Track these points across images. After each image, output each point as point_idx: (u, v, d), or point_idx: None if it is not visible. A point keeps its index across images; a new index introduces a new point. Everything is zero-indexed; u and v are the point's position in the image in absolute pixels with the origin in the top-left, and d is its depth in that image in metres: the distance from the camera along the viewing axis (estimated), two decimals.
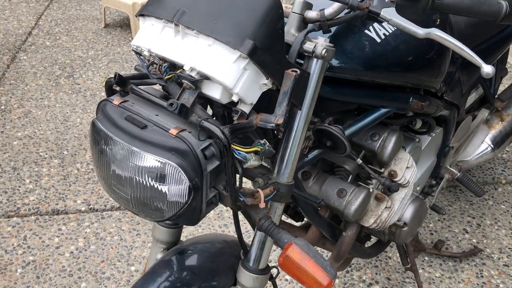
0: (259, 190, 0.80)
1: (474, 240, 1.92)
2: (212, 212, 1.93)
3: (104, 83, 0.83)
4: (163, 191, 0.71)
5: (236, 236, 0.95)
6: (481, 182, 2.21)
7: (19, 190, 2.12)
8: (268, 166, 0.94)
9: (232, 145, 0.71)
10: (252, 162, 0.75)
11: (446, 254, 1.82)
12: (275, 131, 0.86)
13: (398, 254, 1.82)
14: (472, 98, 1.72)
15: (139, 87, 0.79)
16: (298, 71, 0.75)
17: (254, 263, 0.94)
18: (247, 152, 0.74)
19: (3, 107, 2.66)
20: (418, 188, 1.48)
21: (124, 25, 3.66)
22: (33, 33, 3.49)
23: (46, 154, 2.34)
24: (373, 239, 1.53)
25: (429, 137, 1.44)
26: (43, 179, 2.19)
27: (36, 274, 1.76)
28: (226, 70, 0.71)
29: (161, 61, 0.76)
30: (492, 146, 1.72)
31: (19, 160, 2.29)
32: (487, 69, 0.82)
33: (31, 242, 1.88)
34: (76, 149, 2.38)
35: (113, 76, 0.80)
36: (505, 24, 0.90)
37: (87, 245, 1.87)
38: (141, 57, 0.81)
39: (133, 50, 0.81)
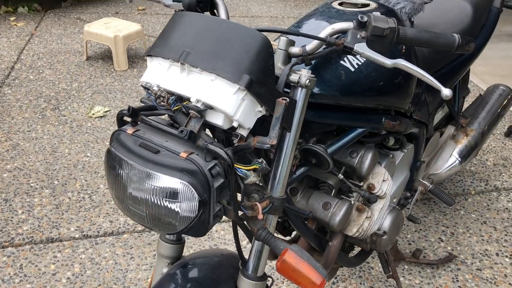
0: (257, 203, 0.91)
1: (449, 248, 2.06)
2: None
3: (116, 115, 0.94)
4: (176, 207, 0.82)
5: (230, 250, 1.06)
6: (453, 194, 2.37)
7: (12, 220, 2.18)
8: (261, 184, 1.06)
9: (234, 164, 0.83)
10: (252, 178, 0.87)
11: (424, 262, 1.95)
12: (267, 151, 0.98)
13: (379, 264, 1.95)
14: (438, 116, 1.89)
15: (148, 117, 0.90)
16: (288, 99, 0.88)
17: (253, 271, 1.05)
18: (247, 170, 0.85)
19: None
20: (394, 200, 1.61)
21: (105, 57, 3.77)
22: (16, 68, 3.56)
23: (37, 184, 2.40)
24: (357, 250, 1.65)
25: (401, 153, 1.58)
26: (36, 209, 2.25)
27: None
28: (228, 101, 0.83)
29: (168, 95, 0.88)
30: (459, 159, 1.88)
31: (10, 192, 2.34)
32: (446, 92, 0.96)
33: (28, 270, 1.94)
34: (66, 178, 2.45)
35: (124, 108, 0.91)
36: (459, 53, 1.05)
37: (83, 270, 1.94)
38: (149, 91, 0.93)
39: (141, 85, 0.93)
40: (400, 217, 1.47)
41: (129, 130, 0.89)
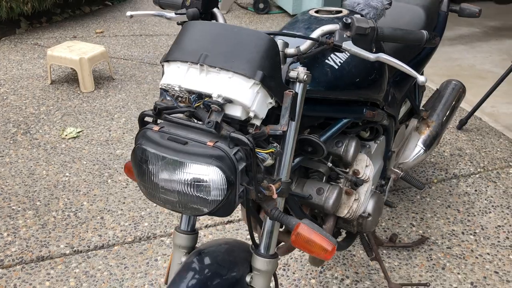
0: (271, 185, 1.04)
1: (420, 231, 2.25)
2: (201, 232, 2.13)
3: (138, 118, 1.04)
4: (207, 189, 0.93)
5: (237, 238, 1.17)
6: None
7: None
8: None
9: (255, 149, 0.96)
10: (269, 161, 1.00)
11: (400, 246, 2.13)
12: (272, 141, 1.12)
13: (360, 252, 2.11)
14: (403, 110, 2.09)
15: (174, 118, 1.01)
16: (294, 91, 1.02)
17: (265, 250, 1.17)
18: (266, 153, 0.98)
19: None
20: (373, 187, 1.78)
21: (70, 80, 3.79)
22: None
23: (19, 207, 2.41)
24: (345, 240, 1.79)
25: (375, 144, 1.76)
26: (21, 230, 2.26)
27: None
28: (245, 94, 0.95)
29: (188, 94, 1.00)
30: (424, 148, 2.08)
31: None
32: (421, 78, 1.13)
33: None
34: (48, 199, 2.47)
35: (141, 113, 1.02)
36: (427, 46, 1.22)
37: (79, 284, 1.98)
38: (167, 93, 1.04)
39: (161, 88, 1.04)
40: (381, 200, 1.63)
41: (155, 127, 1.00)
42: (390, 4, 1.62)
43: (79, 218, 2.34)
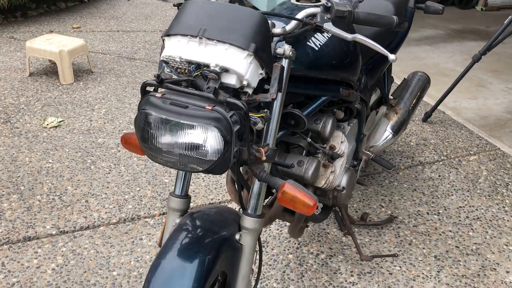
0: (261, 148, 1.17)
1: (389, 212, 2.42)
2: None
3: (141, 88, 1.15)
4: (206, 148, 1.05)
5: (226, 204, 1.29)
6: (386, 170, 2.76)
7: None
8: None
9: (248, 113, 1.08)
10: (260, 125, 1.12)
11: (370, 224, 2.29)
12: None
13: (334, 230, 2.26)
14: (373, 98, 2.25)
15: (174, 85, 1.12)
16: (281, 64, 1.15)
17: (253, 210, 1.29)
18: (258, 117, 1.11)
19: None
20: (346, 165, 1.93)
21: (48, 73, 3.83)
22: None
23: (3, 191, 2.46)
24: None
25: (349, 126, 1.91)
26: (6, 212, 2.32)
27: None
28: (240, 63, 1.08)
29: (187, 64, 1.12)
30: (392, 133, 2.25)
31: None
32: (392, 57, 1.28)
33: (11, 266, 2.02)
34: (32, 184, 2.53)
35: (143, 83, 1.13)
36: (397, 30, 1.36)
37: (67, 261, 2.05)
38: (168, 64, 1.15)
39: (162, 60, 1.15)
40: (354, 176, 1.78)
41: (157, 94, 1.11)
42: None
43: (63, 202, 2.41)
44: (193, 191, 2.51)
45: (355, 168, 2.07)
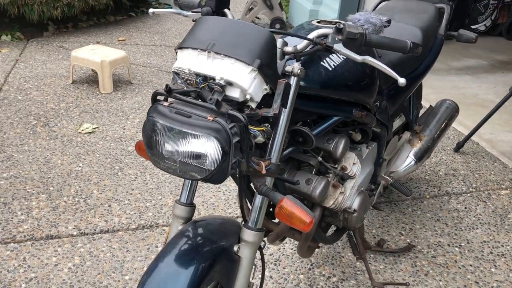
0: (261, 161, 1.19)
1: (408, 240, 2.37)
2: None
3: (151, 96, 1.20)
4: (204, 157, 1.09)
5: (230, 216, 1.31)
6: (410, 198, 2.70)
7: (12, 221, 2.34)
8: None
9: (248, 126, 1.11)
10: (259, 138, 1.15)
11: (387, 251, 2.25)
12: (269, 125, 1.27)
13: (349, 254, 2.23)
14: (397, 123, 2.23)
15: (182, 96, 1.17)
16: (286, 80, 1.17)
17: (253, 223, 1.31)
18: (257, 130, 1.13)
19: None
20: (362, 189, 1.91)
21: (90, 81, 4.00)
22: (4, 89, 3.74)
23: (33, 190, 2.58)
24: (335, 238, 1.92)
25: (367, 150, 1.90)
26: (34, 211, 2.42)
27: (39, 287, 1.98)
28: (244, 78, 1.11)
29: (196, 76, 1.16)
30: (415, 160, 2.22)
31: (8, 196, 2.51)
32: (401, 80, 1.28)
33: (31, 262, 2.11)
34: (61, 185, 2.63)
35: (154, 92, 1.18)
36: (411, 55, 1.36)
37: (83, 262, 2.12)
38: (179, 76, 1.20)
39: (173, 71, 1.20)
40: (367, 199, 1.76)
41: (165, 103, 1.16)
42: (388, 22, 1.78)
43: (88, 204, 2.49)
44: (213, 203, 2.54)
45: (373, 192, 2.04)
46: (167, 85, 1.15)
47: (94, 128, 3.24)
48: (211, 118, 1.09)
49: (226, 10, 1.41)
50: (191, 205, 1.41)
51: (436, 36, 2.22)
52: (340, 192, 1.60)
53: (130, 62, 4.37)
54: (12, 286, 1.98)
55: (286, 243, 2.28)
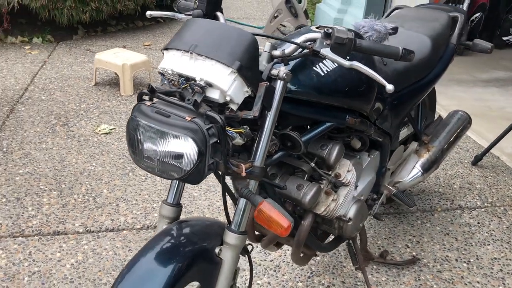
0: (241, 164, 1.19)
1: (414, 253, 2.31)
2: None
3: (137, 96, 1.22)
4: (181, 157, 1.09)
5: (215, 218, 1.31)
6: (421, 210, 2.64)
7: (23, 215, 2.41)
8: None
9: (226, 127, 1.11)
10: (238, 140, 1.15)
11: (390, 263, 2.20)
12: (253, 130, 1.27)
13: (351, 264, 2.19)
14: (404, 133, 2.19)
15: (163, 96, 1.18)
16: (268, 83, 1.17)
17: (236, 226, 1.30)
18: (235, 132, 1.13)
19: (4, 149, 2.99)
20: (362, 198, 1.88)
21: (112, 84, 4.09)
22: (30, 89, 3.88)
23: (46, 187, 2.65)
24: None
25: (368, 158, 1.87)
26: (44, 207, 2.49)
27: (41, 281, 2.03)
28: (223, 79, 1.12)
29: (178, 77, 1.17)
30: (422, 171, 2.16)
31: (22, 192, 2.59)
32: (389, 87, 1.26)
33: (36, 256, 2.16)
34: (73, 183, 2.70)
35: (139, 92, 1.20)
36: (402, 61, 1.33)
37: (86, 259, 2.16)
38: (164, 76, 1.22)
39: (159, 72, 1.22)
40: (364, 208, 1.73)
41: (148, 102, 1.18)
42: (394, 30, 1.75)
43: (96, 203, 2.54)
44: (218, 207, 2.55)
45: (374, 202, 2.01)
46: (149, 85, 1.17)
47: (111, 129, 3.31)
48: (189, 118, 1.10)
49: (218, 13, 1.42)
50: (177, 206, 1.42)
51: (447, 45, 2.17)
52: (333, 199, 1.57)
53: (153, 66, 4.45)
54: (15, 279, 2.03)
55: (288, 250, 2.26)
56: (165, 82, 1.23)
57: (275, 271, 2.15)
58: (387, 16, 2.40)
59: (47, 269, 2.09)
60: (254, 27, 6.22)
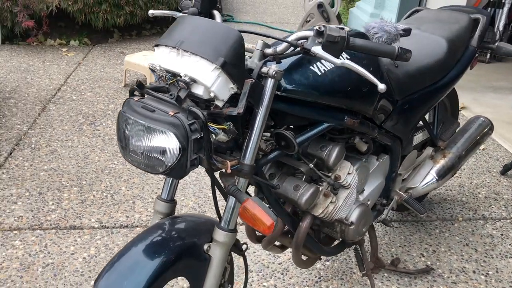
0: (227, 160, 1.19)
1: (429, 262, 2.23)
2: None
3: (129, 91, 1.25)
4: (163, 151, 1.10)
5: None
6: (440, 218, 2.55)
7: (43, 209, 2.49)
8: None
9: (208, 123, 1.12)
10: (221, 136, 1.15)
11: (402, 271, 2.13)
12: (244, 129, 1.26)
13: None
14: (419, 137, 2.12)
15: (150, 91, 1.20)
16: (253, 80, 1.17)
17: (226, 224, 1.30)
18: (218, 128, 1.14)
19: (33, 145, 3.10)
20: (369, 202, 1.84)
21: None
22: (62, 89, 4.02)
23: (68, 183, 2.73)
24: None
25: (377, 162, 1.82)
26: (64, 202, 2.57)
27: (53, 273, 2.09)
28: (206, 75, 1.12)
29: (166, 73, 1.19)
30: (437, 177, 2.09)
31: (44, 187, 2.68)
32: (381, 86, 1.22)
33: (51, 249, 2.23)
34: (94, 180, 2.77)
35: (130, 88, 1.22)
36: (398, 60, 1.29)
37: (98, 253, 2.21)
38: (154, 72, 1.23)
39: (149, 67, 1.24)
40: (367, 212, 1.69)
41: (136, 98, 1.20)
42: (406, 31, 1.70)
43: (114, 200, 2.60)
44: (221, 206, 2.55)
45: (384, 207, 1.95)
46: (137, 81, 1.18)
47: None
48: (172, 113, 1.11)
49: (214, 12, 1.43)
50: (171, 201, 1.43)
51: (467, 47, 2.09)
52: (331, 202, 1.54)
53: None
54: (30, 269, 2.10)
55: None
56: (156, 77, 1.24)
57: (282, 274, 2.13)
58: (406, 18, 2.34)
59: (60, 262, 2.15)
60: (285, 31, 6.21)
